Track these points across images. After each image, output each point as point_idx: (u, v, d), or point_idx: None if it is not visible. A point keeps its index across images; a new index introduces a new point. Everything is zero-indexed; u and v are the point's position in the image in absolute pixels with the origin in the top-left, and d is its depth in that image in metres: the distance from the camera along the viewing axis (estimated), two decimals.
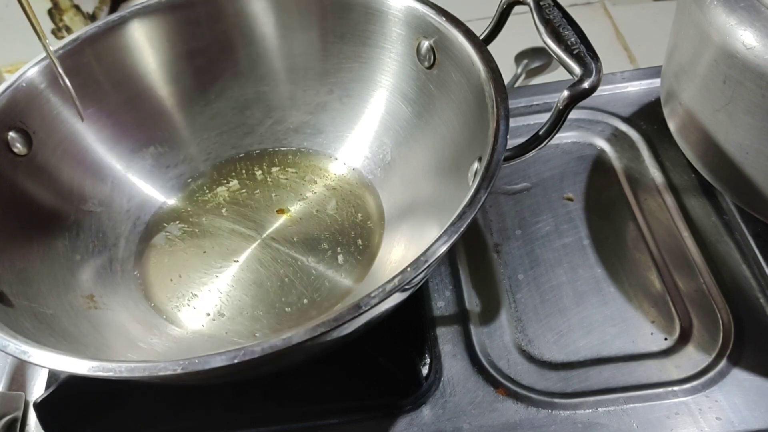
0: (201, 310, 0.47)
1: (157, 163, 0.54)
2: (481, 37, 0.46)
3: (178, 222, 0.53)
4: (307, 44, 0.53)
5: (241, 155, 0.56)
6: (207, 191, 0.55)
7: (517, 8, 0.46)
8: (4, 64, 0.99)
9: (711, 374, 0.42)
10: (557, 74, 0.75)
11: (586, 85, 0.39)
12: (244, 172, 0.56)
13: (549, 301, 0.47)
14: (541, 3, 0.42)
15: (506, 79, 0.75)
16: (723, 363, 0.43)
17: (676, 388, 0.42)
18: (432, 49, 0.46)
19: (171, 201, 0.54)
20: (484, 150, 0.38)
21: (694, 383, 0.42)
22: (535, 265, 0.49)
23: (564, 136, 0.57)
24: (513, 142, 0.39)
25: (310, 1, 0.52)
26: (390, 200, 0.51)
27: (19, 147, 0.46)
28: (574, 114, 0.40)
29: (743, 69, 0.42)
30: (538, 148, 0.40)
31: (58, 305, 0.43)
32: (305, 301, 0.47)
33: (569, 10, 0.42)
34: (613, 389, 0.42)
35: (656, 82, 0.59)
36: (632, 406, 0.41)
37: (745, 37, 0.42)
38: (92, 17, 1.07)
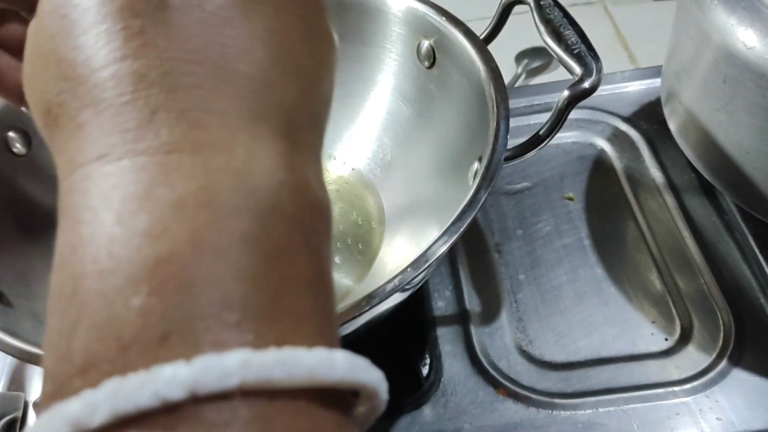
0: None
1: None
2: (482, 37, 0.46)
3: None
4: None
5: None
6: None
7: (517, 8, 0.46)
8: None
9: (711, 374, 0.42)
10: (557, 74, 0.75)
11: (586, 84, 0.39)
12: None
13: (550, 302, 0.47)
14: (542, 2, 0.42)
15: (506, 78, 0.74)
16: (723, 363, 0.43)
17: (676, 388, 0.42)
18: (432, 48, 0.46)
19: None
20: (484, 150, 0.38)
21: (695, 383, 0.42)
22: (536, 265, 0.49)
23: (564, 136, 0.57)
24: (513, 142, 0.39)
25: None
26: (390, 200, 0.51)
27: (18, 147, 0.46)
28: (574, 114, 0.40)
29: (743, 69, 0.42)
30: (539, 147, 0.40)
31: None
32: None
33: (570, 10, 0.42)
34: (614, 389, 0.42)
35: (656, 82, 0.59)
36: (633, 407, 0.41)
37: (746, 37, 0.42)
38: None
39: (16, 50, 0.28)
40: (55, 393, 0.14)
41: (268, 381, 0.13)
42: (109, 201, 0.15)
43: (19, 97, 0.28)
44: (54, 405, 0.13)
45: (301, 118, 0.17)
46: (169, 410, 0.13)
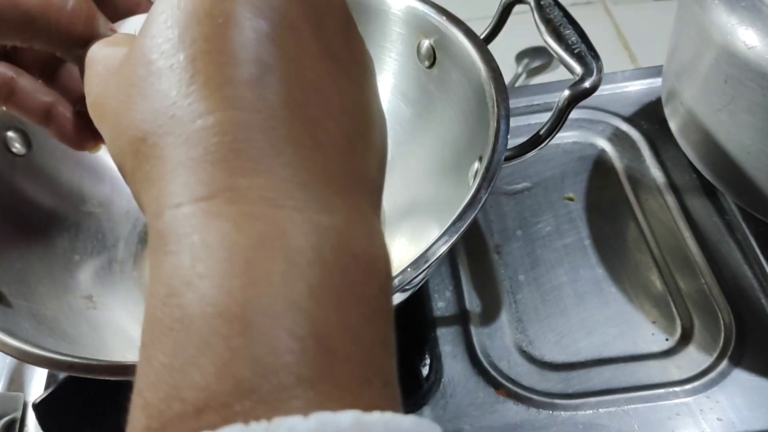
0: None
1: None
2: (482, 37, 0.45)
3: None
4: None
5: None
6: None
7: (517, 7, 0.45)
8: None
9: (712, 375, 0.42)
10: (558, 74, 0.75)
11: (587, 84, 0.38)
12: None
13: (550, 302, 0.47)
14: (542, 2, 0.42)
15: (507, 78, 0.74)
16: (724, 363, 0.43)
17: (677, 388, 0.42)
18: (432, 48, 0.46)
19: None
20: (484, 150, 0.38)
21: (696, 384, 0.42)
22: (535, 265, 0.49)
23: (565, 136, 0.57)
24: (513, 142, 0.39)
25: None
26: (390, 200, 0.51)
27: (18, 147, 0.46)
28: (574, 114, 0.40)
29: (744, 68, 0.42)
30: (539, 147, 0.40)
31: (57, 306, 0.43)
32: None
33: (570, 10, 0.42)
34: (614, 390, 0.42)
35: (657, 82, 0.59)
36: (633, 407, 0.41)
37: (747, 37, 0.41)
38: None
39: (36, 71, 0.29)
40: (161, 429, 0.15)
41: None
42: (223, 244, 0.15)
43: (41, 117, 0.29)
44: None
45: (374, 187, 0.19)
46: None
